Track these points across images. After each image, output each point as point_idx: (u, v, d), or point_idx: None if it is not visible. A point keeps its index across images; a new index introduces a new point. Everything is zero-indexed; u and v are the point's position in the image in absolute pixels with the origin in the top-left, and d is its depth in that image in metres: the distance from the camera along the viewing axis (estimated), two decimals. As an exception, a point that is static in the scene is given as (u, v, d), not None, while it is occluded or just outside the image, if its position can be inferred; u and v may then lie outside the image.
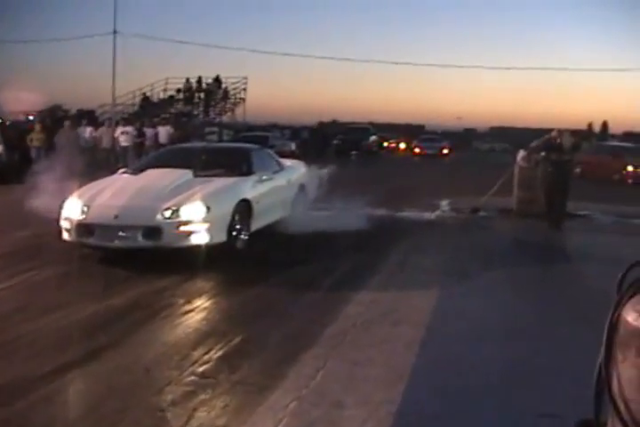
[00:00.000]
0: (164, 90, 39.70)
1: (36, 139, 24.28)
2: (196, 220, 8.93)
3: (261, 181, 10.68)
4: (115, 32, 32.89)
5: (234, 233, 9.49)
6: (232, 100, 41.62)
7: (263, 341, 6.09)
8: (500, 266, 9.42)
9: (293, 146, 35.55)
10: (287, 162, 13.11)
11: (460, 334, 6.41)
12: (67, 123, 26.11)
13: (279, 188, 11.46)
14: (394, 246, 10.70)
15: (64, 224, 9.36)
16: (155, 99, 39.59)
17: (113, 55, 33.03)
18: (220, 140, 32.90)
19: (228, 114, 42.17)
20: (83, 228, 9.12)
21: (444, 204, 15.69)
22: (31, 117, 37.42)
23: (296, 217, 11.56)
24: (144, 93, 38.92)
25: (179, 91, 39.93)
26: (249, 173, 10.67)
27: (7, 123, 36.26)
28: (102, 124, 30.05)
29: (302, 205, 12.14)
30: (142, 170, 10.73)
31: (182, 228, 8.88)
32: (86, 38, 54.71)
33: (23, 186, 14.00)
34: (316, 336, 6.16)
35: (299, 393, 4.83)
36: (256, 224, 10.27)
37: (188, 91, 40.19)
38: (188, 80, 40.01)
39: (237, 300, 7.55)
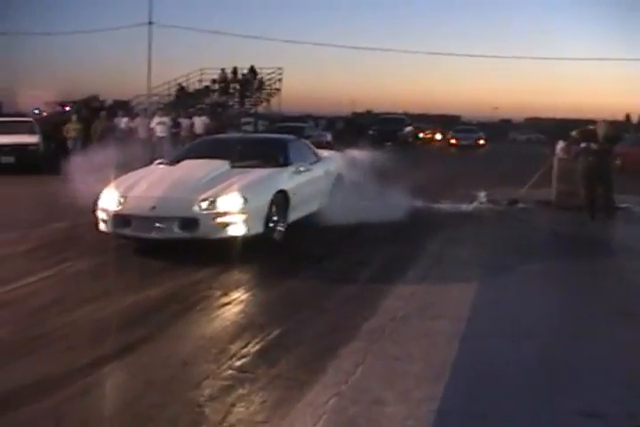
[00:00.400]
0: (200, 80, 39.73)
1: (72, 129, 24.47)
2: (233, 211, 8.84)
3: (298, 171, 10.58)
4: (150, 23, 32.89)
5: (271, 224, 9.40)
6: (267, 91, 41.52)
7: (301, 334, 6.02)
8: (540, 259, 9.24)
9: (329, 136, 35.45)
10: (324, 153, 13.03)
11: (501, 328, 6.30)
12: (103, 113, 26.31)
13: (316, 179, 11.36)
14: (431, 238, 10.59)
15: (100, 215, 9.35)
16: (190, 89, 39.62)
17: (148, 46, 33.06)
18: (256, 131, 32.89)
19: (264, 104, 42.12)
20: (119, 219, 9.10)
21: (482, 195, 15.47)
22: (67, 108, 37.77)
23: (333, 208, 11.46)
24: (179, 84, 38.99)
25: (214, 81, 39.93)
26: (286, 163, 10.59)
27: (44, 114, 36.67)
28: (138, 114, 30.16)
29: (339, 196, 12.00)
30: (179, 161, 10.68)
31: (219, 219, 8.81)
32: (122, 29, 54.83)
33: (60, 177, 14.04)
34: (354, 330, 6.08)
35: (338, 389, 4.76)
36: (293, 215, 10.19)
37: (224, 81, 40.16)
38: (223, 70, 39.99)
39: (275, 292, 7.48)
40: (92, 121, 25.49)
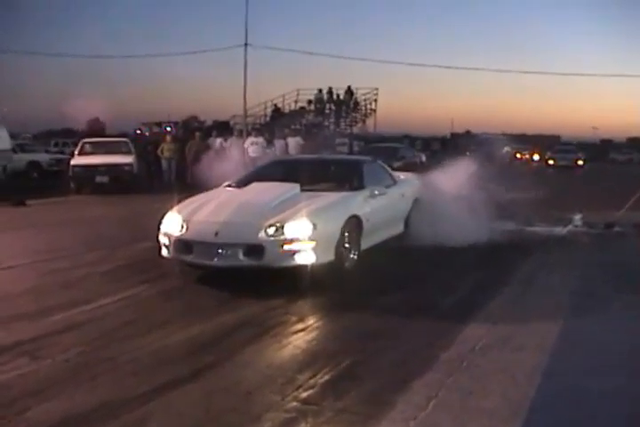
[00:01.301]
0: (296, 101, 39.86)
1: (166, 149, 24.80)
2: (302, 238, 8.33)
3: (373, 195, 10.00)
4: (246, 44, 33.36)
5: (342, 252, 8.92)
6: (363, 112, 41.42)
7: (374, 364, 5.78)
8: (634, 289, 8.69)
9: (424, 157, 35.09)
10: (401, 175, 12.50)
11: (589, 365, 5.89)
12: (197, 134, 26.56)
13: (392, 203, 10.81)
14: (520, 264, 10.18)
15: (162, 240, 9.02)
16: (286, 110, 39.81)
17: (244, 67, 33.54)
18: (350, 152, 32.77)
19: (359, 125, 42.05)
20: (181, 244, 8.74)
21: (577, 217, 14.96)
22: (168, 128, 38.52)
23: (411, 234, 11.09)
24: (275, 104, 39.24)
25: (310, 102, 39.98)
26: (360, 187, 10.08)
27: (146, 133, 37.54)
28: (231, 134, 30.38)
29: (417, 222, 11.41)
30: (247, 183, 10.23)
31: (286, 246, 8.31)
32: (221, 50, 56.23)
33: (152, 196, 14.16)
34: (430, 361, 5.81)
35: (406, 425, 4.50)
36: (367, 242, 9.68)
37: (319, 102, 40.18)
38: (320, 91, 40.03)
39: (350, 320, 7.18)
40: (188, 141, 25.78)
